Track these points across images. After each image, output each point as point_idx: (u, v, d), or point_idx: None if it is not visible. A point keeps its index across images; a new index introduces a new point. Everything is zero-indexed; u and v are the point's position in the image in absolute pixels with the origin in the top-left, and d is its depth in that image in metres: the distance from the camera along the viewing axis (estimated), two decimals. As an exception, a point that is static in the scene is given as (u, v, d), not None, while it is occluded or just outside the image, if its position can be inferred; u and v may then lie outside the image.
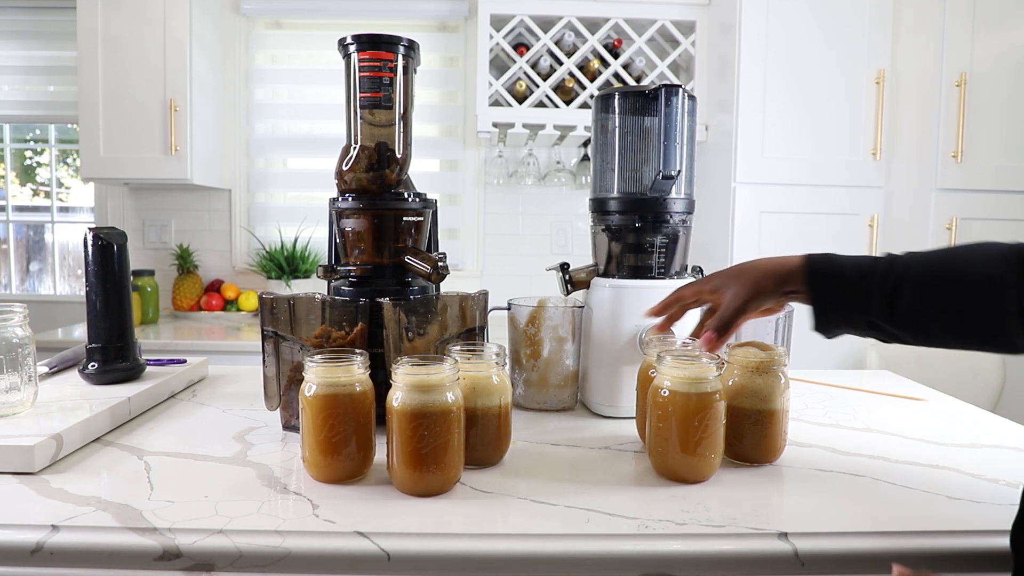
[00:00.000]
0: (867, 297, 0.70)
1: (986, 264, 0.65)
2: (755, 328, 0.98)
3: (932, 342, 0.70)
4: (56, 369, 1.06)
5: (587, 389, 1.02)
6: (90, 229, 0.97)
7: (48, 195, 2.79)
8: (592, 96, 2.37)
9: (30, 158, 2.81)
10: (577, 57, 2.37)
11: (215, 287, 2.58)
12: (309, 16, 2.62)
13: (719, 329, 0.77)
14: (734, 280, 0.78)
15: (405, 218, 0.91)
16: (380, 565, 0.58)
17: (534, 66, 2.40)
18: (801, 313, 1.09)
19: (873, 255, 0.73)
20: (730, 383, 0.80)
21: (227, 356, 2.02)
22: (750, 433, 0.79)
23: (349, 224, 0.91)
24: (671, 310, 0.86)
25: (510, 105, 2.38)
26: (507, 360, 0.96)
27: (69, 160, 2.79)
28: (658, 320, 0.87)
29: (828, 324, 0.73)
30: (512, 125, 2.34)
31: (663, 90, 0.95)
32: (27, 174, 2.81)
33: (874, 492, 0.72)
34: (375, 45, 0.89)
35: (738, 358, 0.80)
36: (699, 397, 0.72)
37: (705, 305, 0.85)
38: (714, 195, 2.24)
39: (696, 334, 0.85)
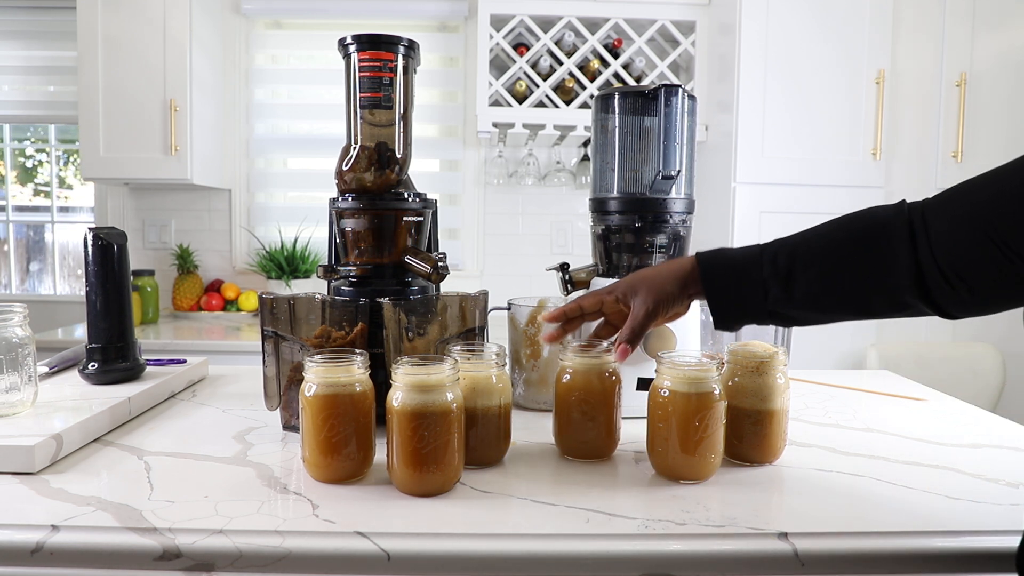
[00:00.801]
0: (763, 288, 0.69)
1: (874, 235, 0.64)
2: (755, 328, 0.98)
3: (835, 319, 0.70)
4: (56, 369, 1.06)
5: (587, 389, 1.02)
6: (90, 229, 0.97)
7: (48, 195, 2.79)
8: (592, 96, 2.37)
9: (29, 157, 2.81)
10: (577, 57, 2.37)
11: (215, 287, 2.58)
12: (309, 16, 2.62)
13: (631, 340, 0.76)
14: (639, 289, 0.76)
15: (405, 218, 0.91)
16: (380, 565, 0.58)
17: (534, 66, 2.40)
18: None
19: (761, 243, 0.72)
20: (730, 383, 0.80)
21: (227, 356, 2.02)
22: (750, 433, 0.79)
23: (349, 224, 0.91)
24: (570, 319, 0.82)
25: (510, 105, 2.38)
26: (507, 360, 0.96)
27: (72, 159, 2.79)
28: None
29: (728, 320, 0.73)
30: (512, 125, 2.34)
31: (663, 90, 0.95)
32: (27, 174, 2.81)
33: (874, 492, 0.72)
34: (375, 45, 0.89)
35: (738, 358, 0.80)
36: (699, 397, 0.72)
37: (600, 319, 0.83)
38: (714, 195, 2.24)
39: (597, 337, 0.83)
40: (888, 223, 0.64)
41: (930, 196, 0.64)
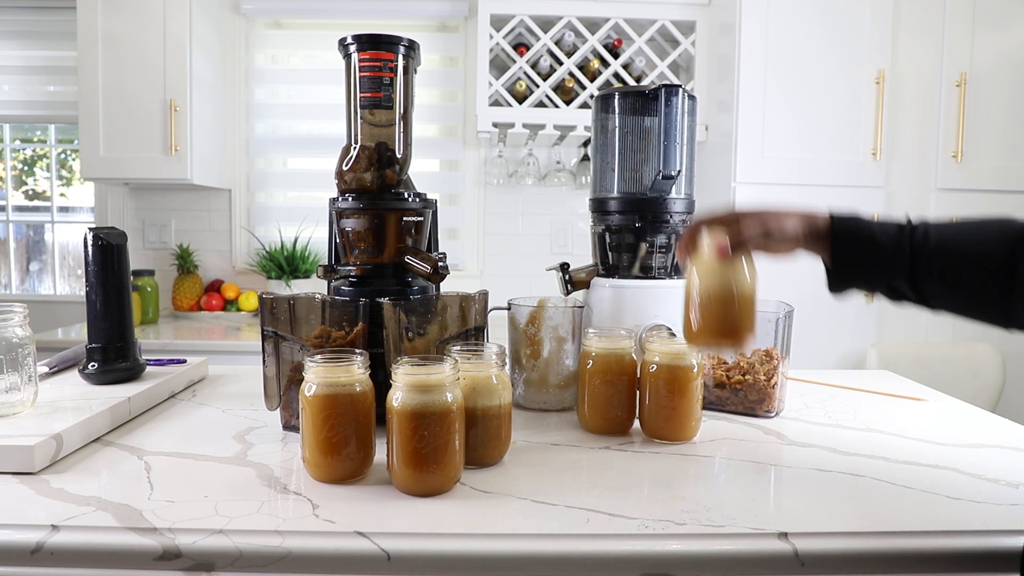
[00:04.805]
0: (891, 267, 0.70)
1: (996, 247, 0.66)
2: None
3: (943, 311, 0.72)
4: (56, 369, 1.06)
5: (587, 389, 1.02)
6: (90, 229, 0.97)
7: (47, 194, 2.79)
8: (592, 96, 2.37)
9: (40, 156, 2.80)
10: (577, 57, 2.37)
11: (215, 287, 2.58)
12: (309, 16, 2.62)
13: (735, 245, 0.73)
14: (759, 212, 0.73)
15: (405, 218, 0.91)
16: (380, 565, 0.58)
17: (534, 66, 2.40)
18: (801, 313, 1.09)
19: (897, 221, 0.72)
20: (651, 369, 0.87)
21: (227, 356, 2.02)
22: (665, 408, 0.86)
23: (349, 224, 0.91)
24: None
25: (510, 105, 2.38)
26: (507, 360, 0.96)
27: (71, 157, 2.79)
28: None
29: (843, 288, 0.73)
30: (512, 125, 2.34)
31: (663, 90, 0.95)
32: (36, 163, 2.81)
33: (874, 492, 0.72)
34: (375, 45, 0.89)
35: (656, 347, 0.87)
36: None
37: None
38: (714, 195, 2.24)
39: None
40: (1009, 241, 0.66)
41: None
